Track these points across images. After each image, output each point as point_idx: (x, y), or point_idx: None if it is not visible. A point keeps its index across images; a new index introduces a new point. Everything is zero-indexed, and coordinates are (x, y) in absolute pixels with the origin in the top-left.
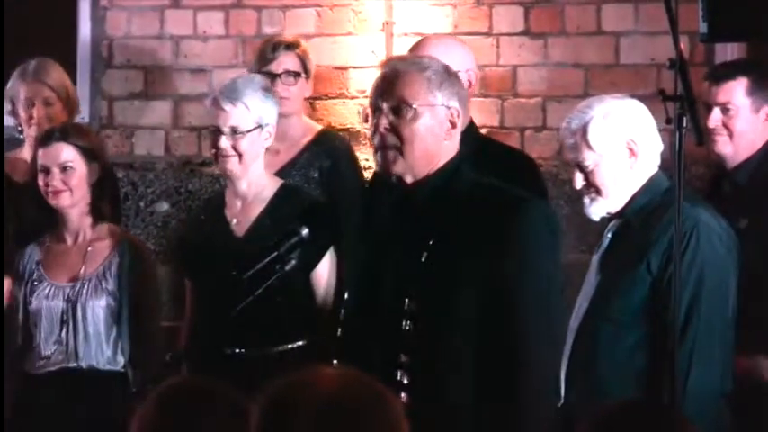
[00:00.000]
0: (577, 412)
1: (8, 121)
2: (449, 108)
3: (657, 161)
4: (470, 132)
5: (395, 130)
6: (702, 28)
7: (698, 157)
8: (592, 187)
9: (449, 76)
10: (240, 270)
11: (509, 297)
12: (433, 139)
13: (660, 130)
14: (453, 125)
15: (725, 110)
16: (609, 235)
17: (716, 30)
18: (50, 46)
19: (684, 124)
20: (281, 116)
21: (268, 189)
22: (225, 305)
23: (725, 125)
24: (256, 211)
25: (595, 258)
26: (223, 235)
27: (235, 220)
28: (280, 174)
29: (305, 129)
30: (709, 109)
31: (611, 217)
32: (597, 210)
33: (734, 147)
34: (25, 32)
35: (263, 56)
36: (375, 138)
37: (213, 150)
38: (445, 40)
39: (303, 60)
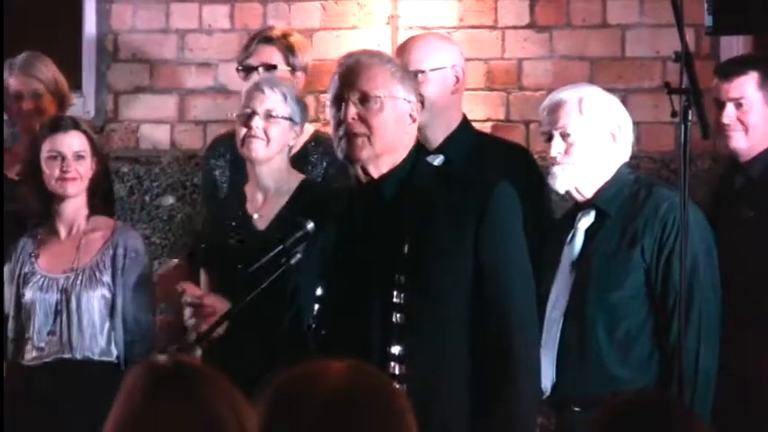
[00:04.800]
0: (575, 400)
1: None
2: (410, 102)
3: (627, 158)
4: (466, 128)
5: (362, 119)
6: (708, 21)
7: (703, 151)
8: (567, 156)
9: (407, 72)
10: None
11: (497, 275)
12: (397, 131)
13: (665, 123)
14: (413, 119)
15: (738, 105)
16: (580, 226)
17: (721, 23)
18: (55, 40)
19: (690, 117)
20: None
21: (289, 183)
22: (232, 299)
23: (739, 120)
24: (278, 205)
25: (568, 250)
26: (245, 229)
27: (257, 215)
28: None
29: None
30: (721, 106)
31: (575, 208)
32: (566, 180)
33: (749, 141)
34: (30, 26)
35: (245, 48)
36: (341, 127)
37: (243, 131)
38: (428, 37)
39: (285, 53)
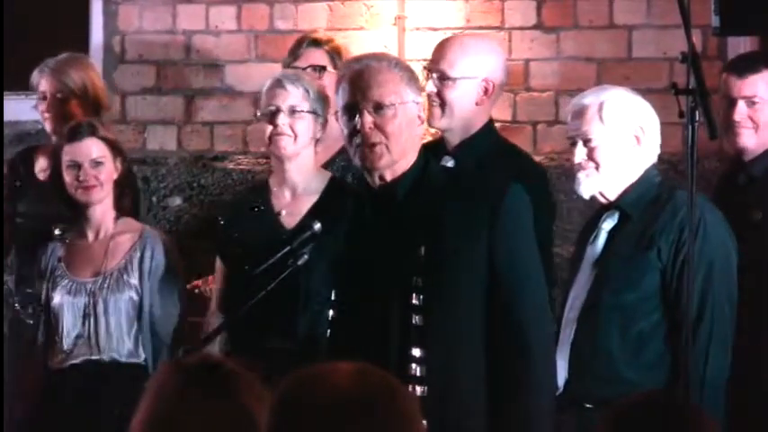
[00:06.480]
0: (587, 399)
1: (28, 114)
2: (418, 104)
3: (654, 159)
4: (485, 135)
5: (377, 127)
6: (715, 21)
7: (710, 151)
8: (591, 162)
9: (412, 72)
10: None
11: (510, 275)
12: (409, 134)
13: (673, 124)
14: (422, 120)
15: (751, 103)
16: (604, 227)
17: (728, 23)
18: (62, 41)
19: (697, 118)
20: None
21: (317, 182)
22: (239, 300)
23: (750, 118)
24: (307, 203)
25: (590, 250)
26: (272, 226)
27: (284, 212)
28: None
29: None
30: (732, 102)
31: (601, 209)
32: (590, 186)
33: (758, 139)
34: (38, 28)
35: (291, 52)
36: (357, 136)
37: (269, 129)
38: (468, 42)
39: (332, 56)
